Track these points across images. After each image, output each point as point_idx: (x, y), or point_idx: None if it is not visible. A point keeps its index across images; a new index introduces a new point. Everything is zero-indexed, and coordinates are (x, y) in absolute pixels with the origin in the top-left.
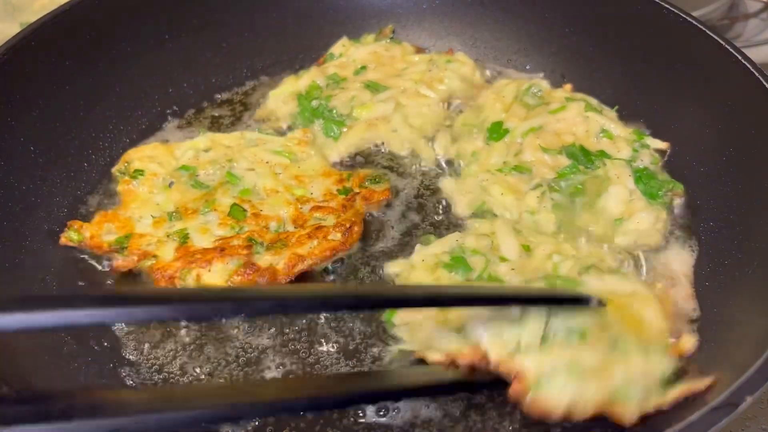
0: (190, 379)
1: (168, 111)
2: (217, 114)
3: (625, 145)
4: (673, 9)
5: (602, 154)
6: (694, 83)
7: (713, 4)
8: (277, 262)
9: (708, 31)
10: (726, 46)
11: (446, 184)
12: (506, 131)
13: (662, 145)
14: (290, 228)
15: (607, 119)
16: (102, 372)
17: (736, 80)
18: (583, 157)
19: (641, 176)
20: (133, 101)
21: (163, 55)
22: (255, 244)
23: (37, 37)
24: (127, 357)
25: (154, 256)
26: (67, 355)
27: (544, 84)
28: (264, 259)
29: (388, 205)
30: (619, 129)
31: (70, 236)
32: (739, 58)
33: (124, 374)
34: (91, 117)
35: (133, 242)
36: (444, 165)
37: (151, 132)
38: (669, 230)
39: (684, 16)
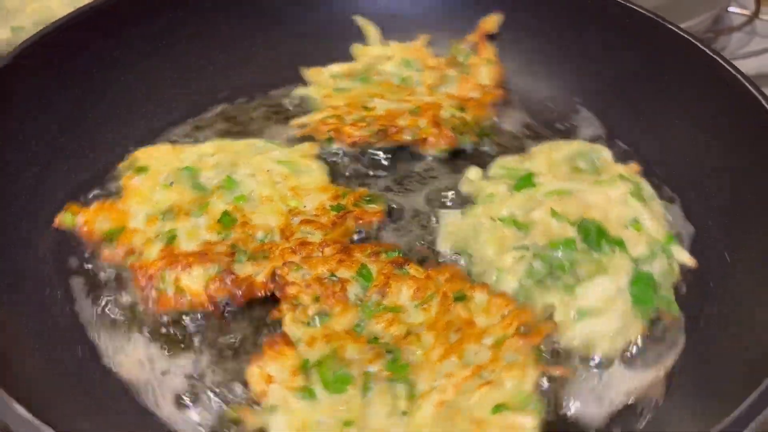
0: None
1: (167, 118)
2: (223, 118)
3: (645, 243)
4: (663, 22)
5: (618, 243)
6: (685, 94)
7: (698, 18)
8: (257, 274)
9: (699, 45)
10: (717, 58)
11: (446, 217)
12: (533, 185)
13: (689, 261)
14: (276, 238)
15: (647, 212)
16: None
17: (727, 91)
18: (596, 237)
19: (641, 280)
20: (136, 105)
21: (166, 59)
22: (238, 252)
23: (40, 46)
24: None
25: (140, 254)
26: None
27: (607, 154)
28: (245, 269)
29: (382, 226)
30: (653, 227)
31: (64, 219)
32: (730, 70)
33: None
34: (88, 122)
35: (122, 236)
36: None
37: (152, 137)
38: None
39: (675, 29)
